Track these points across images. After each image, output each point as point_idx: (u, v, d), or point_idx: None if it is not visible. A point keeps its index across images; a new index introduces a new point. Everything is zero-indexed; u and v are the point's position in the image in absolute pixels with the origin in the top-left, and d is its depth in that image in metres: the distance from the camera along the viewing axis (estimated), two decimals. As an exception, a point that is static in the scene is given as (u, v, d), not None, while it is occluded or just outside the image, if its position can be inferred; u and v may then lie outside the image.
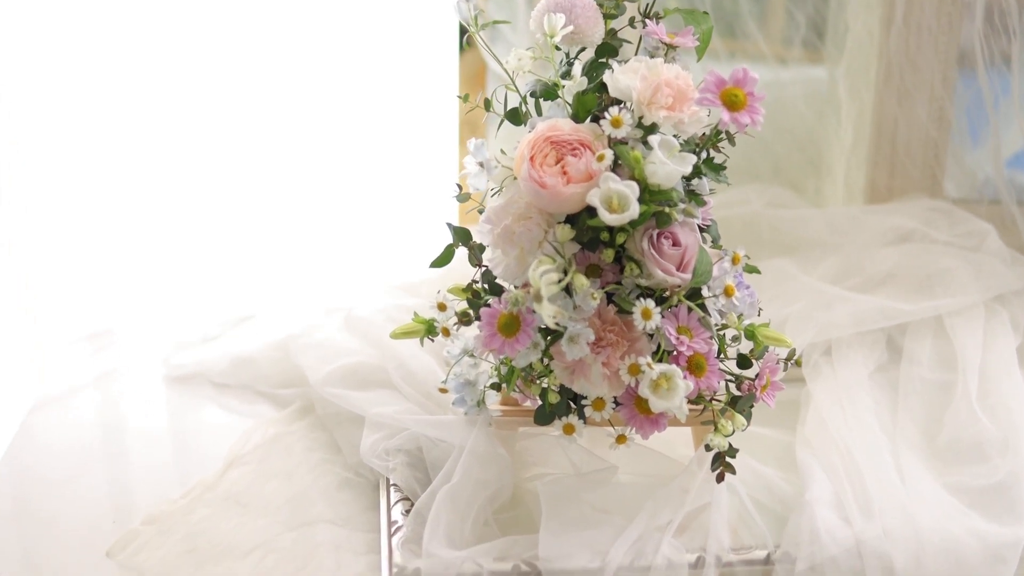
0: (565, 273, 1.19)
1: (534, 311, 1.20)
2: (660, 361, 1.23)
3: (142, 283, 1.89)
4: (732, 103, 1.22)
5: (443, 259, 1.39)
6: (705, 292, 1.26)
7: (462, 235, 1.37)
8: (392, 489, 1.33)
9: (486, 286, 1.32)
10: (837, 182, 1.87)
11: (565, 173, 1.21)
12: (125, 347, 1.79)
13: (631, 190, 1.18)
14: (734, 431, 1.27)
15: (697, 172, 1.28)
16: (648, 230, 1.24)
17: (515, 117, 1.35)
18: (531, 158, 1.22)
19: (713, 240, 1.34)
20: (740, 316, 1.30)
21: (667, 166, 1.20)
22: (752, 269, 1.39)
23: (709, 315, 1.26)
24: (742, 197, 1.88)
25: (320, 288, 1.80)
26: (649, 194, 1.20)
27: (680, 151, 1.21)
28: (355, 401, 1.45)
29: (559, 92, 1.29)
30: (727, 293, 1.27)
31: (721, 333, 1.29)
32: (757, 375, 1.31)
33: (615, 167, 1.22)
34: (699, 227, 1.30)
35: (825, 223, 1.78)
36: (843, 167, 1.86)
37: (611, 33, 1.36)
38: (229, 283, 1.88)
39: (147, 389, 1.67)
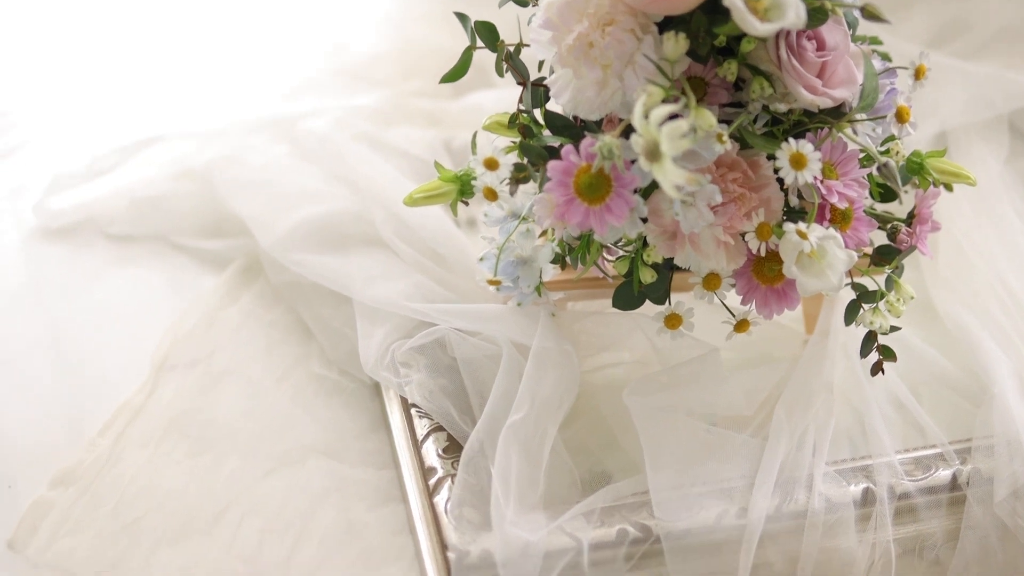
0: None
1: (633, 162, 0.79)
2: (792, 217, 0.85)
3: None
4: None
5: (458, 70, 0.95)
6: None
7: (486, 33, 0.93)
8: (414, 412, 0.94)
9: (534, 116, 0.89)
10: None
11: (680, -46, 0.78)
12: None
13: (793, -19, 0.76)
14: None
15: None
16: (785, 30, 0.82)
17: None
18: (626, -70, 0.78)
19: (849, 25, 0.92)
20: (894, 139, 0.91)
21: (836, -64, 0.78)
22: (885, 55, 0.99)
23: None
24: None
25: (240, 88, 1.29)
26: (803, -21, 0.79)
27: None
28: (334, 273, 1.03)
29: None
30: (900, 118, 0.87)
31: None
32: (912, 215, 0.94)
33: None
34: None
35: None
36: None
37: None
38: (122, 92, 1.33)
39: (10, 251, 1.17)
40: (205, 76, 1.31)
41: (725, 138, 0.81)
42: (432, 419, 0.93)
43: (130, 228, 1.16)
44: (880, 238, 0.96)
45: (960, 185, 1.10)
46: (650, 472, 0.87)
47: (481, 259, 0.91)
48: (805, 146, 0.82)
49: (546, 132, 0.89)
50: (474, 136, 0.86)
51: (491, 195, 0.86)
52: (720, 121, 0.86)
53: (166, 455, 0.95)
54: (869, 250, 0.96)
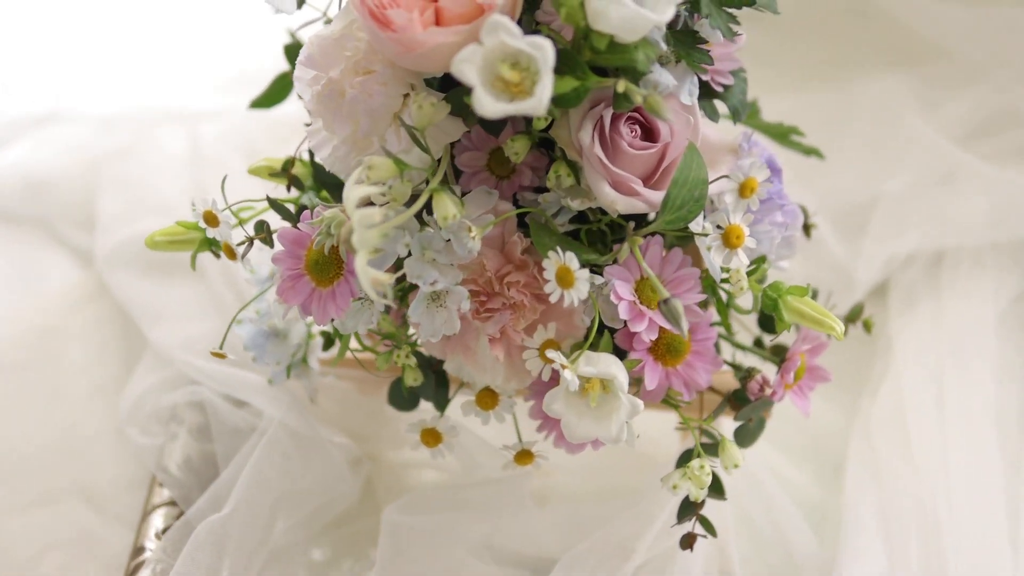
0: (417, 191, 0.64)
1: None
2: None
3: None
4: None
5: (269, 95, 0.82)
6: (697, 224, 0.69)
7: (295, 57, 0.79)
8: (157, 477, 0.82)
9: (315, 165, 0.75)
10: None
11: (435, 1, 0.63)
12: None
13: (540, 52, 0.58)
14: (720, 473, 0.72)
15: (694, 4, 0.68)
16: (596, 109, 0.65)
17: None
18: (368, -36, 0.63)
19: (733, 112, 0.73)
20: (759, 264, 0.72)
21: (626, 6, 0.60)
22: (809, 150, 0.80)
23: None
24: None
25: (176, 71, 1.17)
26: (592, 51, 0.61)
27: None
28: (145, 302, 0.91)
29: None
30: (729, 242, 0.68)
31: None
32: (783, 360, 0.74)
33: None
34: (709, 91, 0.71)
35: (965, 19, 1.07)
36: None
37: None
38: (24, 62, 1.22)
39: None
40: (115, 52, 1.18)
41: (475, 233, 0.65)
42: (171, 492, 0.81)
43: (18, 207, 1.07)
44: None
45: (944, 323, 0.90)
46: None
47: (238, 322, 0.78)
48: (572, 260, 0.65)
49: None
50: (223, 180, 0.73)
51: (230, 253, 0.73)
52: (519, 207, 0.70)
53: (-73, 473, 0.87)
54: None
